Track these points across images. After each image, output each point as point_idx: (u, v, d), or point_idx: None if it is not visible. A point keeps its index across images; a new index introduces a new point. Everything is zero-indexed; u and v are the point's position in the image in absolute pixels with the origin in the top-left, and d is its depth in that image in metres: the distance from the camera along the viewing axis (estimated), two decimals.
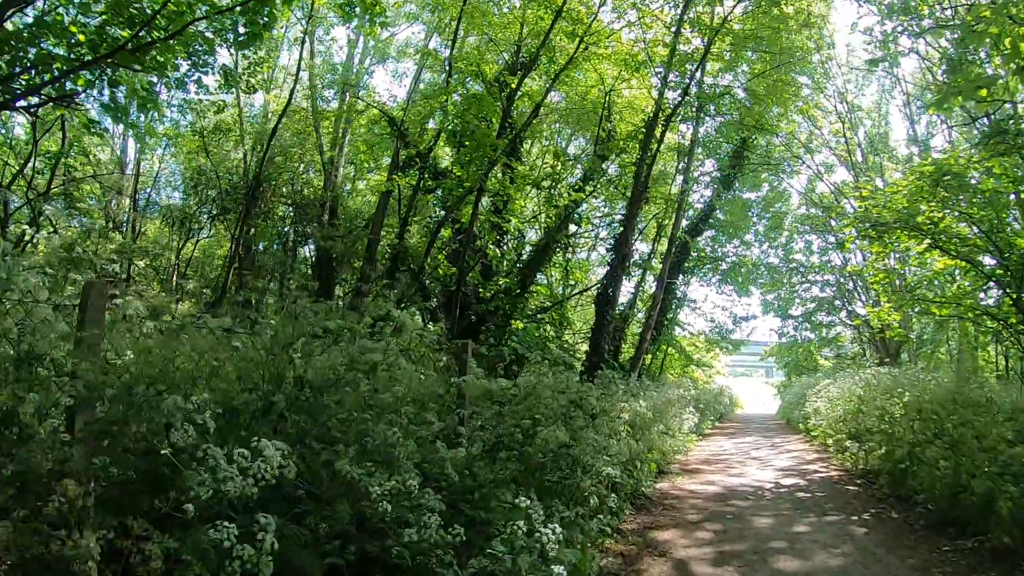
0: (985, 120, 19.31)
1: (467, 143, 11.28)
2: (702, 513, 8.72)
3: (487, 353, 11.23)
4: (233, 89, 22.86)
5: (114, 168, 27.74)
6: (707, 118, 18.31)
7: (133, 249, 24.72)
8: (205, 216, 25.86)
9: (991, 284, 14.53)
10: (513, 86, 13.60)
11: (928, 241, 13.55)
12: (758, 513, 8.67)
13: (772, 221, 29.54)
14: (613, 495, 7.60)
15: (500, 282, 13.47)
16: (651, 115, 14.30)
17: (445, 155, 16.79)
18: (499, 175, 13.33)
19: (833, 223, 27.06)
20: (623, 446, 7.91)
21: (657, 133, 14.25)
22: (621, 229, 13.99)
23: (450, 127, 12.32)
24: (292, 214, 23.82)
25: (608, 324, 13.38)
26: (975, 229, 13.14)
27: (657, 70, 15.17)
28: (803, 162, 25.57)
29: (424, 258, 13.04)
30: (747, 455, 14.41)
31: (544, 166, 14.54)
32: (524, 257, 14.54)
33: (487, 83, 13.79)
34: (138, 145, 27.42)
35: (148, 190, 29.04)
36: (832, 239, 29.98)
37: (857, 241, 24.49)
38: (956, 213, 13.22)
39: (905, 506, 9.08)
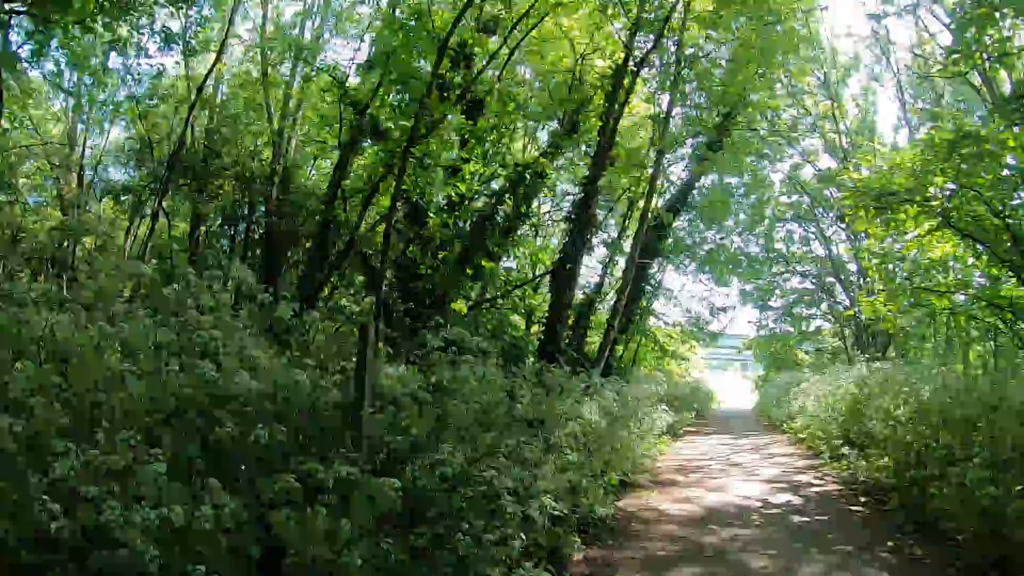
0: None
1: (400, 84, 9.12)
2: (676, 546, 6.59)
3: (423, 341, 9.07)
4: (173, 52, 20.65)
5: (63, 145, 25.58)
6: (687, 85, 16.07)
7: (76, 228, 22.47)
8: (148, 191, 23.38)
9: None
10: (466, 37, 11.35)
11: (936, 220, 11.60)
12: (748, 547, 6.55)
13: (754, 209, 27.50)
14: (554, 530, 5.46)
15: (440, 256, 11.32)
16: (620, 60, 12.05)
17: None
18: (445, 135, 11.07)
19: (827, 199, 25.26)
20: (563, 468, 5.71)
21: (626, 83, 12.01)
22: (582, 197, 11.79)
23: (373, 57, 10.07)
24: (237, 189, 21.37)
25: (567, 306, 11.20)
26: (986, 209, 11.25)
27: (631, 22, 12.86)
28: (787, 143, 23.45)
29: (355, 227, 10.82)
30: (727, 461, 12.33)
31: (491, 117, 12.14)
32: (465, 226, 12.25)
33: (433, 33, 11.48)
34: (73, 113, 25.20)
35: (108, 166, 26.91)
36: (815, 229, 28.25)
37: (845, 227, 22.66)
38: (970, 190, 11.22)
39: (930, 538, 7.02)
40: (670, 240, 23.14)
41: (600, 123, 11.74)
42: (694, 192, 22.13)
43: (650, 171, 14.22)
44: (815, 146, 25.48)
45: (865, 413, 11.73)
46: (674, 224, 22.65)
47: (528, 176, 11.55)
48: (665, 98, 15.44)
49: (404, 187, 11.63)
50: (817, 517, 7.87)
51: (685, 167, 21.66)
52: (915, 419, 9.64)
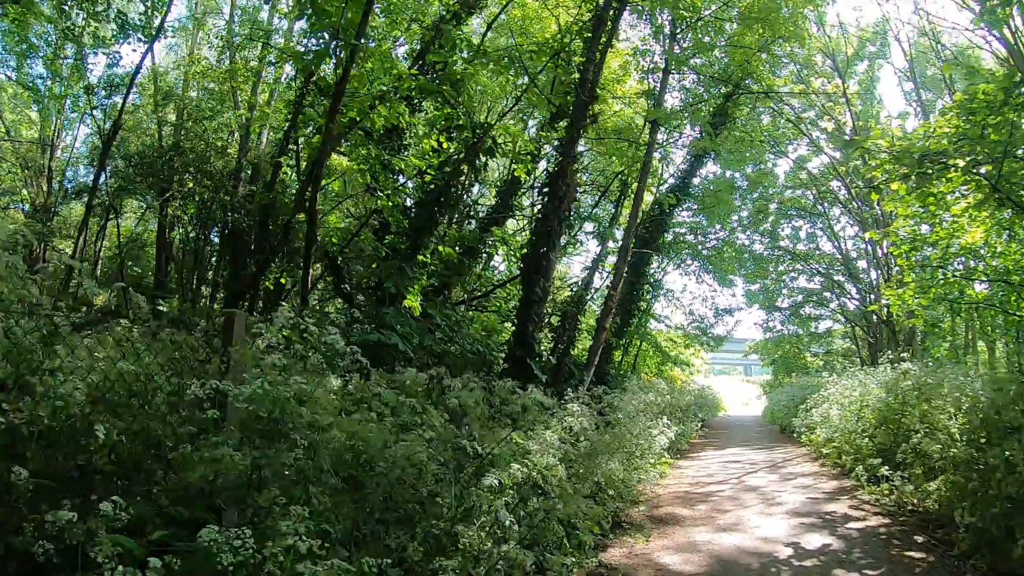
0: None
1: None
2: None
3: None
4: (130, 41, 19.09)
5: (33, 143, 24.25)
6: (687, 58, 13.99)
7: (41, 230, 20.71)
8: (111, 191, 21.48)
9: None
10: None
11: (984, 190, 9.53)
12: None
13: (757, 204, 25.37)
14: None
15: (387, 241, 9.23)
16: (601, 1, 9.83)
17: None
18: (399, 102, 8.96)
19: (832, 193, 23.26)
20: (496, 537, 3.55)
21: (609, 26, 9.83)
22: (557, 161, 9.60)
23: None
24: (203, 186, 19.30)
25: (540, 301, 8.96)
26: None
27: None
28: (793, 124, 21.35)
29: (296, 208, 8.68)
30: (741, 484, 10.10)
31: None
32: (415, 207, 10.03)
33: None
34: (41, 114, 23.63)
35: (76, 168, 25.40)
36: (821, 224, 26.21)
37: (865, 208, 20.54)
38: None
39: None
40: (670, 236, 21.04)
41: (578, 75, 9.60)
42: (695, 181, 19.98)
43: (643, 152, 12.12)
44: (820, 138, 23.43)
45: (904, 423, 9.64)
46: (675, 217, 20.58)
47: (490, 141, 9.39)
48: (660, 71, 13.33)
49: (359, 166, 9.62)
50: (868, 571, 5.72)
51: (684, 157, 19.56)
52: (977, 432, 7.60)
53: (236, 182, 18.29)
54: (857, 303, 24.64)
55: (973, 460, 6.76)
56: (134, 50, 18.86)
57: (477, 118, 11.61)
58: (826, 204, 25.31)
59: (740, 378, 60.06)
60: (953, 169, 8.87)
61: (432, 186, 9.39)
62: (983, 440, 7.52)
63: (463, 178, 9.87)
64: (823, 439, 12.41)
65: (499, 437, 3.99)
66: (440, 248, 9.46)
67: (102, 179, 21.79)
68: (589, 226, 18.08)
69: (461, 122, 9.47)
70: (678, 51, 13.89)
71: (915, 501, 7.95)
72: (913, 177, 8.97)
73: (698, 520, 7.51)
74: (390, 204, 8.88)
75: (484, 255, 15.15)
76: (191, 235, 22.26)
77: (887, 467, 8.77)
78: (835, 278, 26.26)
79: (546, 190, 9.32)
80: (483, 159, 9.51)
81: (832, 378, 14.16)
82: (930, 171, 8.82)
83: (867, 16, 40.90)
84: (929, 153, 8.51)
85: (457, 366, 7.76)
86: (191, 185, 19.56)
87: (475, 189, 17.68)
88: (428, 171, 9.00)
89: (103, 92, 19.22)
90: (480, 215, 14.79)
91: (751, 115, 20.40)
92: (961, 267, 13.00)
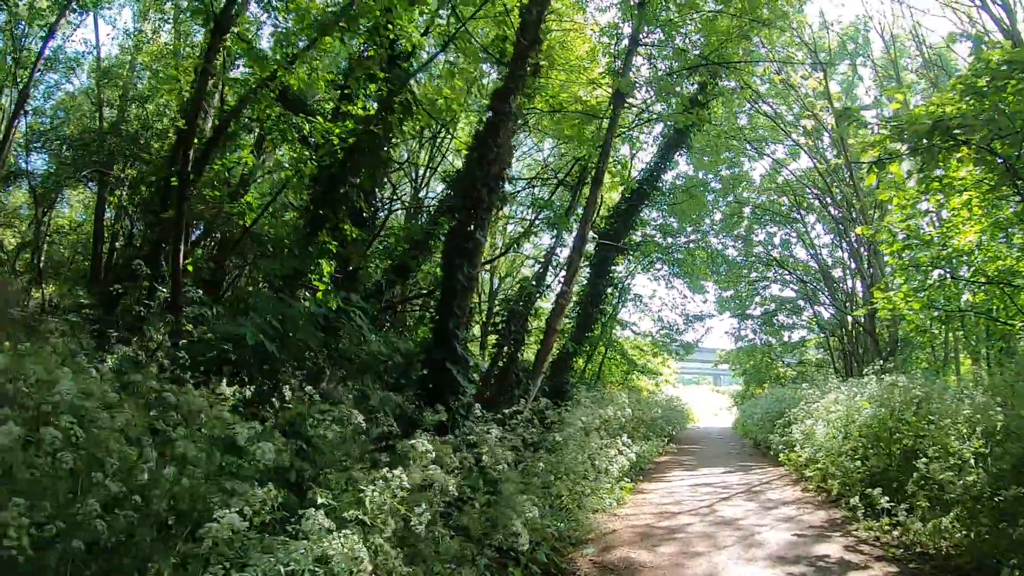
0: None
1: None
2: None
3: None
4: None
5: None
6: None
7: None
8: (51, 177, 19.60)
9: None
10: None
11: (998, 171, 8.20)
12: None
13: (731, 206, 24.05)
14: None
15: (286, 219, 7.55)
16: None
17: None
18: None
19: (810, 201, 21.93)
20: None
21: None
22: (488, 118, 7.80)
23: None
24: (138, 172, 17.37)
25: (464, 290, 7.14)
26: None
27: None
28: (773, 120, 20.10)
29: (189, 182, 6.75)
30: (714, 515, 8.43)
31: None
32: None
33: None
34: None
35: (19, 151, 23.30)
36: (797, 230, 24.98)
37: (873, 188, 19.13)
38: None
39: None
40: (638, 236, 19.45)
41: (519, 10, 7.89)
42: (666, 177, 18.47)
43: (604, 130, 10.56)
44: (799, 139, 22.14)
45: (901, 443, 8.15)
46: (644, 217, 19.09)
47: (408, 94, 7.61)
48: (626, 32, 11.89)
49: (270, 134, 7.97)
50: None
51: (654, 153, 18.04)
52: (1001, 461, 6.16)
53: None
54: (833, 312, 23.47)
55: (1021, 499, 5.26)
56: (72, 24, 16.92)
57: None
58: (802, 211, 24.15)
59: (709, 388, 59.03)
60: (965, 145, 7.44)
61: (339, 152, 7.66)
62: (1009, 468, 6.09)
63: (377, 141, 8.14)
64: (805, 459, 10.89)
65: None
66: (346, 228, 7.73)
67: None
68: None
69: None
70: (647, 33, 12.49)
71: (930, 543, 6.41)
72: (919, 154, 7.50)
73: (660, 570, 5.85)
74: (294, 177, 7.21)
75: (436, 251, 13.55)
76: (130, 226, 20.32)
77: (887, 497, 7.22)
78: (810, 286, 25.10)
79: (474, 154, 7.53)
80: (400, 115, 7.79)
81: (813, 391, 12.69)
82: (937, 147, 7.36)
83: (849, 13, 39.97)
84: (942, 123, 7.00)
85: (356, 372, 6.14)
86: (128, 170, 17.76)
87: (439, 187, 16.08)
88: (337, 135, 7.35)
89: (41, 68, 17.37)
90: (431, 207, 13.16)
91: (727, 111, 19.09)
92: (952, 270, 11.76)
